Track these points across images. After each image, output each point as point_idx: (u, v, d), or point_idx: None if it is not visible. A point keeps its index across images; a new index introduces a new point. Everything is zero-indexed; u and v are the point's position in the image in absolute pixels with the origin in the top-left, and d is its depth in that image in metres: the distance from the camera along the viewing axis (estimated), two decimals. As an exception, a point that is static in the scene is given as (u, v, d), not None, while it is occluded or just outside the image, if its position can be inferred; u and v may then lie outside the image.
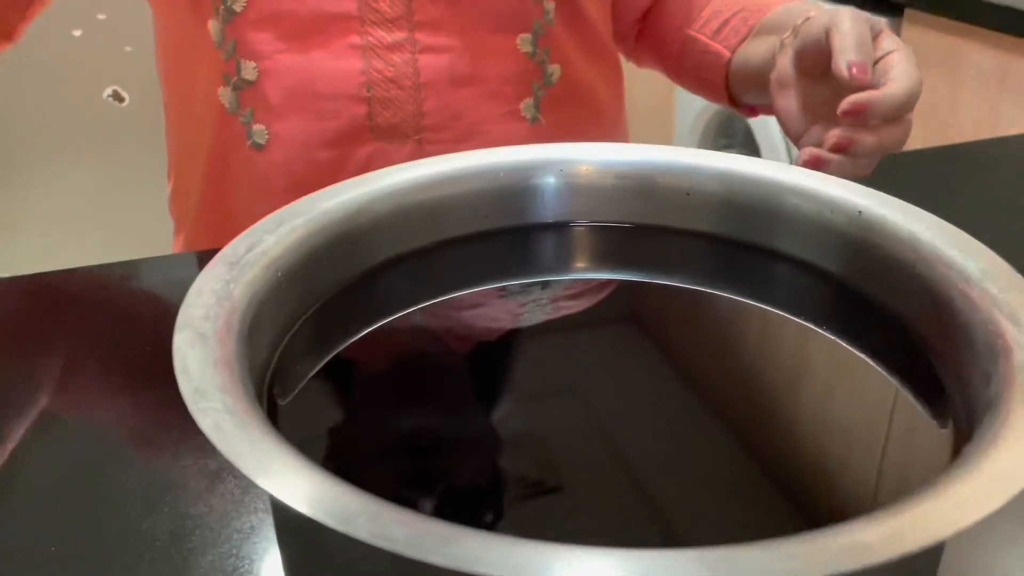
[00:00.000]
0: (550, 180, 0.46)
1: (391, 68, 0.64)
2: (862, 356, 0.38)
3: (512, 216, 0.46)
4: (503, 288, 0.45)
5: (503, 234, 0.46)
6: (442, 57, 0.65)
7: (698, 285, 0.44)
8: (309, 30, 0.63)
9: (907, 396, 0.36)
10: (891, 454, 0.33)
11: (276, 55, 0.63)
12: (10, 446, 0.48)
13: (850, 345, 0.39)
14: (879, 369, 0.37)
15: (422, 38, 0.64)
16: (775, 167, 0.44)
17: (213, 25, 0.64)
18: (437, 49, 0.65)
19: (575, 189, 0.46)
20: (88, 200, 1.87)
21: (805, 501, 0.32)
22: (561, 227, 0.47)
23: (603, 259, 0.47)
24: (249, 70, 0.64)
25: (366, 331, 0.41)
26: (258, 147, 0.66)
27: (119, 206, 1.85)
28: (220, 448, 0.25)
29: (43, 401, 0.52)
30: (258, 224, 0.38)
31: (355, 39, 0.63)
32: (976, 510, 0.23)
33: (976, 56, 1.59)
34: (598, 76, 0.75)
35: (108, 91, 1.82)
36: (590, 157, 0.47)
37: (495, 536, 0.22)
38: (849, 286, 0.41)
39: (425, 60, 0.64)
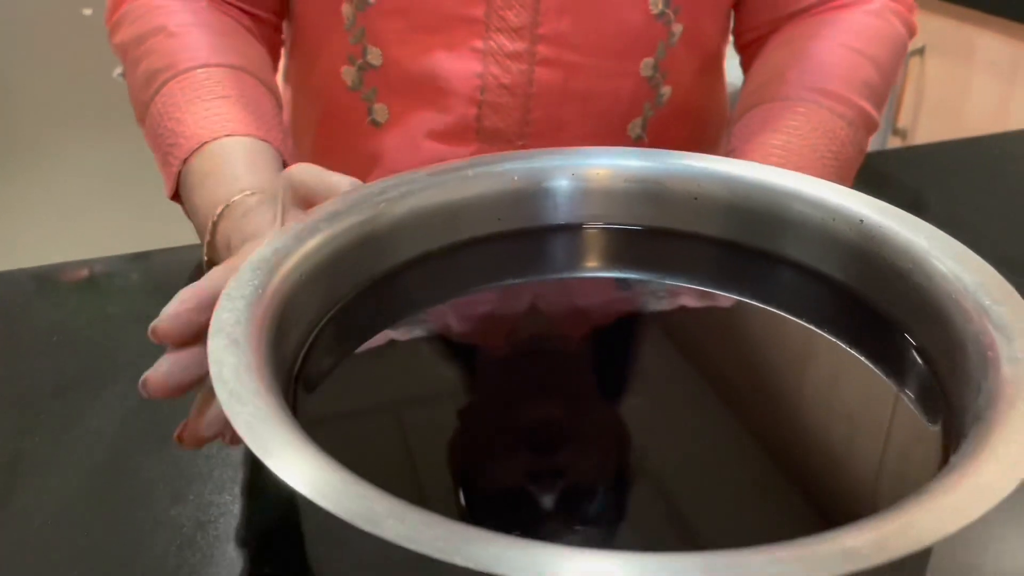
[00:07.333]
0: (563, 183, 0.48)
1: (507, 75, 0.66)
2: (863, 360, 0.39)
3: (526, 218, 0.48)
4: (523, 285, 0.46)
5: (521, 235, 0.48)
6: (559, 72, 0.66)
7: (704, 286, 0.46)
8: (435, 27, 0.65)
9: (906, 402, 0.37)
10: (889, 458, 0.35)
11: (401, 45, 0.66)
12: (37, 439, 0.50)
13: (851, 348, 0.40)
14: (880, 374, 0.39)
15: (543, 50, 0.66)
16: (781, 174, 0.45)
17: (346, 8, 0.67)
18: (555, 63, 0.66)
19: (587, 192, 0.48)
20: (99, 180, 1.89)
21: (802, 501, 0.34)
22: (574, 229, 0.48)
23: (614, 260, 0.49)
24: (375, 55, 0.67)
25: (385, 328, 0.42)
26: (377, 124, 0.70)
27: (131, 186, 1.86)
28: (254, 449, 0.27)
29: (70, 393, 0.54)
30: (285, 231, 0.40)
31: (477, 43, 0.65)
32: (960, 518, 0.25)
33: (989, 46, 1.59)
34: (706, 93, 0.76)
35: (118, 70, 1.83)
36: (601, 161, 0.48)
37: (509, 539, 0.24)
38: (851, 292, 0.42)
39: (541, 72, 0.66)
